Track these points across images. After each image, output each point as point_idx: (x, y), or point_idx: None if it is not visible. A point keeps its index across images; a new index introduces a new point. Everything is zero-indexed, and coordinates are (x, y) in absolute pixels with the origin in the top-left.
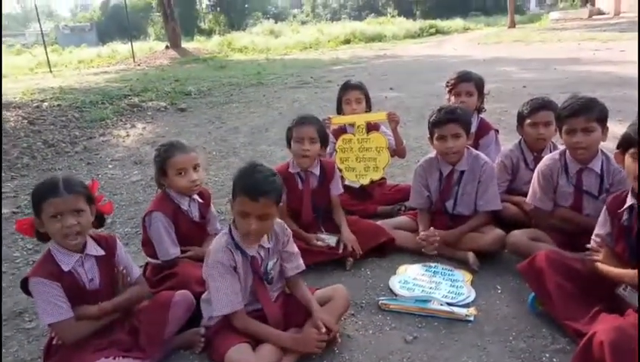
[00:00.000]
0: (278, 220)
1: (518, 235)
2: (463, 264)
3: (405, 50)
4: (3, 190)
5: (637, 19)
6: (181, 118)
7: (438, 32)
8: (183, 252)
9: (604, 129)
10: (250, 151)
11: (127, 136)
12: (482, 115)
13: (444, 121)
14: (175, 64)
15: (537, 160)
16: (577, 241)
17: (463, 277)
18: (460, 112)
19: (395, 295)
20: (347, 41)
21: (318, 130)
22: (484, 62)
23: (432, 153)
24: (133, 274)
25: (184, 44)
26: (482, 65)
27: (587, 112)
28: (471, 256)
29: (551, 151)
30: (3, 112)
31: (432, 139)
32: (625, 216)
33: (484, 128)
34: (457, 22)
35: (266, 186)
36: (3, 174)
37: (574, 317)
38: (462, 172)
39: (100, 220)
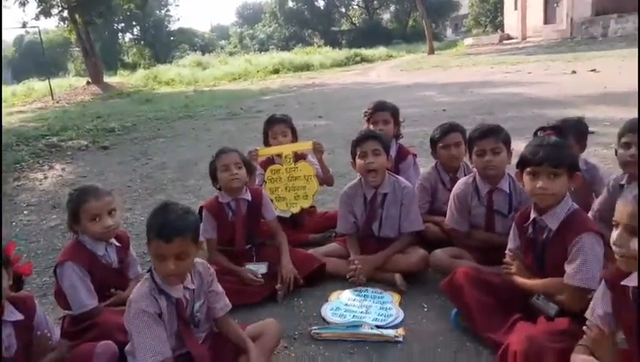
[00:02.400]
0: (199, 260)
1: (440, 254)
2: (391, 285)
3: (333, 79)
4: None
5: (536, 43)
6: (104, 157)
7: (363, 60)
8: (106, 298)
9: (509, 152)
10: (178, 187)
11: (45, 178)
12: (400, 141)
13: (364, 138)
14: (97, 100)
15: (453, 180)
16: (493, 256)
17: (392, 298)
18: (378, 132)
19: (328, 323)
20: (276, 71)
21: (241, 156)
22: (407, 88)
23: (356, 179)
24: (55, 336)
25: (107, 79)
26: (405, 91)
27: (495, 134)
28: (398, 277)
29: (465, 172)
30: None
31: (354, 162)
32: (530, 230)
33: (402, 153)
34: (381, 50)
35: (179, 225)
36: None
37: (494, 329)
38: (385, 195)
39: (18, 283)
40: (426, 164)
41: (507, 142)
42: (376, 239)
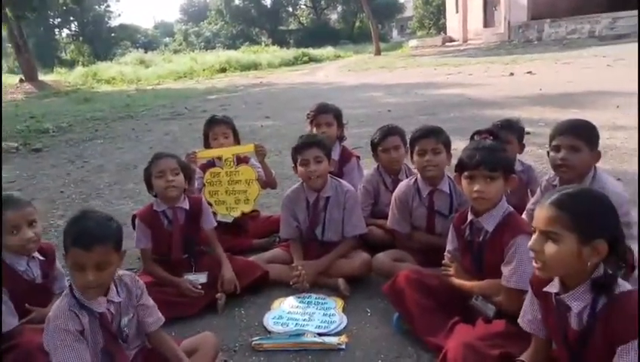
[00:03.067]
0: (127, 272)
1: (382, 258)
2: (335, 290)
3: (281, 78)
4: None
5: (477, 45)
6: (36, 160)
7: (311, 59)
8: (24, 316)
9: (449, 153)
10: (116, 191)
11: None
12: (344, 143)
13: (306, 145)
14: (31, 99)
15: (395, 182)
16: (434, 258)
17: (335, 304)
18: (319, 138)
19: (270, 332)
20: (223, 70)
21: (178, 161)
22: (355, 89)
23: (297, 183)
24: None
25: (43, 77)
26: (352, 92)
27: (435, 135)
28: (341, 282)
29: (406, 174)
30: None
31: (295, 167)
32: (467, 232)
33: (346, 156)
34: (329, 50)
35: (99, 232)
36: None
37: (434, 332)
38: (327, 198)
39: None
40: (371, 166)
41: (447, 144)
42: (319, 243)
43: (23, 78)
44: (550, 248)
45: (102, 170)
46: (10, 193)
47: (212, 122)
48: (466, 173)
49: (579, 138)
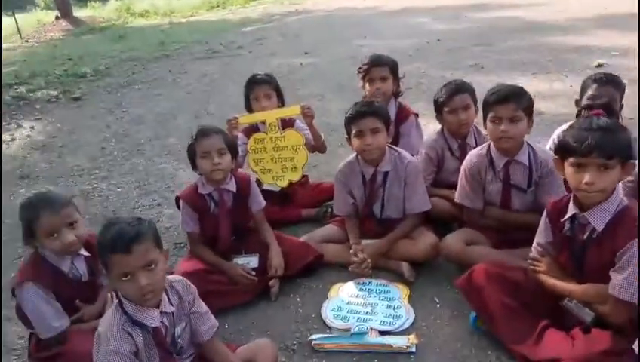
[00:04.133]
0: (178, 277)
1: (452, 242)
2: (398, 275)
3: (316, 4)
4: None
5: None
6: (75, 110)
7: None
8: (73, 314)
9: (530, 120)
10: (157, 147)
11: (12, 140)
12: (400, 100)
13: (360, 115)
14: (68, 37)
15: (462, 147)
16: (511, 237)
17: (400, 293)
18: (377, 105)
19: (329, 328)
20: None
21: (224, 139)
22: (397, 14)
23: (352, 156)
24: None
25: (76, 13)
26: (395, 18)
27: (515, 100)
28: (405, 267)
29: (475, 137)
30: None
31: (349, 138)
32: (567, 226)
33: (403, 114)
34: None
35: (134, 232)
36: None
37: (520, 339)
38: (386, 173)
39: None
40: (427, 111)
41: (529, 110)
42: (377, 221)
43: (59, 14)
44: None
45: (141, 121)
46: (46, 192)
47: (252, 82)
48: (573, 160)
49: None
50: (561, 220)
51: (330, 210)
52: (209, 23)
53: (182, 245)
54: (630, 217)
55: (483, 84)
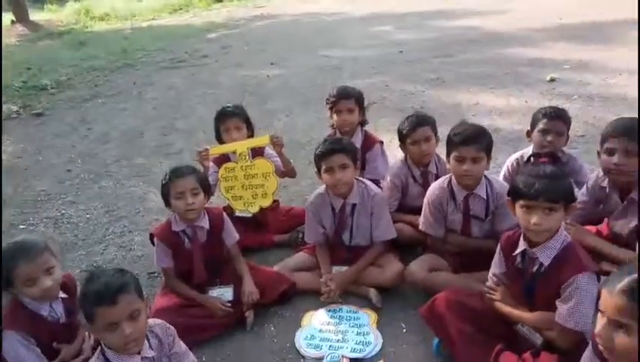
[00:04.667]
0: (157, 320)
1: (416, 270)
2: (366, 300)
3: (282, 8)
4: None
5: None
6: (38, 127)
7: None
8: (52, 357)
9: (489, 158)
10: (124, 169)
11: None
12: (365, 128)
13: (330, 152)
14: (25, 43)
15: (425, 174)
16: (470, 261)
17: (369, 319)
18: (345, 142)
19: (303, 357)
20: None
21: (197, 178)
22: (362, 22)
23: (322, 188)
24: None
25: (33, 16)
26: (359, 25)
27: (477, 142)
28: (373, 293)
29: (436, 164)
30: None
31: (319, 173)
32: (518, 259)
33: (369, 142)
34: None
35: (117, 284)
36: None
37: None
38: (354, 205)
39: None
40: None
41: (489, 150)
42: (347, 248)
43: (14, 19)
44: (621, 339)
45: (107, 139)
46: (23, 239)
47: (223, 115)
48: (522, 203)
49: (634, 140)
50: (513, 254)
51: (301, 235)
52: (172, 28)
53: (155, 274)
54: (573, 253)
55: (443, 100)
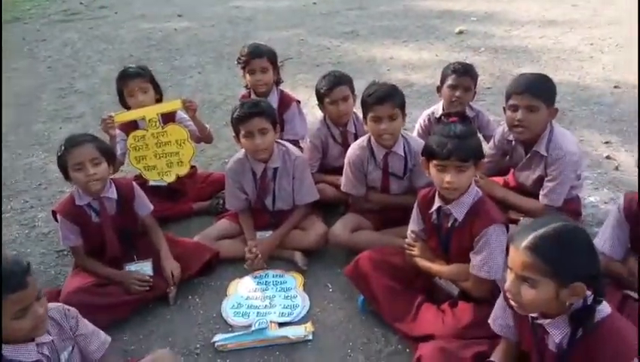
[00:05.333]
0: (53, 304)
1: (338, 231)
2: (292, 263)
3: None
4: None
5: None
6: None
7: None
8: None
9: (404, 115)
10: (22, 136)
11: None
12: (281, 87)
13: (248, 115)
14: None
15: (344, 134)
16: (391, 216)
17: (295, 282)
18: (264, 105)
19: (230, 326)
20: None
21: (97, 146)
22: None
23: (241, 152)
24: None
25: None
26: None
27: (391, 100)
28: (298, 256)
29: (354, 123)
30: None
31: (238, 138)
32: (434, 216)
33: (285, 101)
34: None
35: (22, 267)
36: None
37: (400, 317)
38: (275, 169)
39: None
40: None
41: (403, 106)
42: (270, 213)
43: None
44: (527, 292)
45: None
46: None
47: (125, 76)
48: (435, 163)
49: (537, 97)
50: (429, 211)
51: (222, 201)
52: None
53: (65, 253)
54: (483, 208)
55: (359, 54)
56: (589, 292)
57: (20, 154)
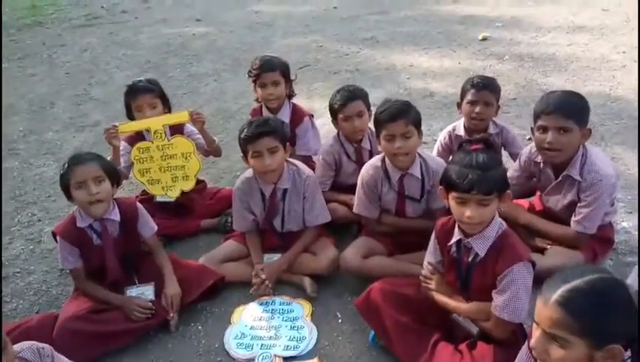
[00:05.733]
0: (27, 344)
1: (351, 257)
2: (300, 289)
3: None
4: None
5: None
6: None
7: None
8: None
9: (420, 133)
10: (33, 145)
11: None
12: (294, 101)
13: (257, 135)
14: None
15: (358, 150)
16: (405, 240)
17: (302, 310)
18: (273, 124)
19: (233, 359)
20: None
21: (101, 165)
22: None
23: (249, 172)
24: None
25: None
26: None
27: (405, 116)
28: (307, 282)
29: (370, 139)
30: None
31: (246, 158)
32: (453, 249)
33: (297, 116)
34: None
35: None
36: None
37: (415, 355)
38: (285, 190)
39: None
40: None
41: (418, 123)
42: (279, 234)
43: None
44: (555, 352)
45: (14, 111)
46: None
47: (134, 91)
48: (455, 194)
49: (568, 118)
50: (448, 243)
51: (230, 219)
52: None
53: (68, 271)
54: (508, 243)
55: (378, 61)
56: (627, 354)
57: (31, 163)
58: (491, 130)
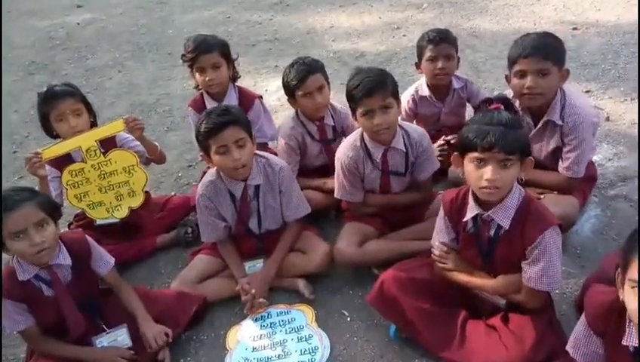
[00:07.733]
0: None
1: (346, 248)
2: (295, 294)
3: None
4: None
5: None
6: None
7: None
8: None
9: (398, 102)
10: None
11: None
12: (238, 83)
13: (221, 126)
14: None
15: (321, 128)
16: (395, 218)
17: (305, 317)
18: (236, 112)
19: None
20: None
21: (40, 204)
22: None
23: (211, 173)
24: None
25: None
26: None
27: (382, 88)
28: (301, 283)
29: (332, 115)
30: None
31: (207, 155)
32: (470, 225)
33: (246, 100)
34: None
35: None
36: None
37: (446, 343)
38: (257, 186)
39: None
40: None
41: (396, 92)
42: (257, 237)
43: None
44: None
45: None
46: None
47: (51, 97)
48: (474, 155)
49: (546, 59)
50: (463, 220)
51: (190, 229)
52: None
53: None
54: (535, 211)
55: (295, 25)
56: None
57: None
58: (455, 84)
